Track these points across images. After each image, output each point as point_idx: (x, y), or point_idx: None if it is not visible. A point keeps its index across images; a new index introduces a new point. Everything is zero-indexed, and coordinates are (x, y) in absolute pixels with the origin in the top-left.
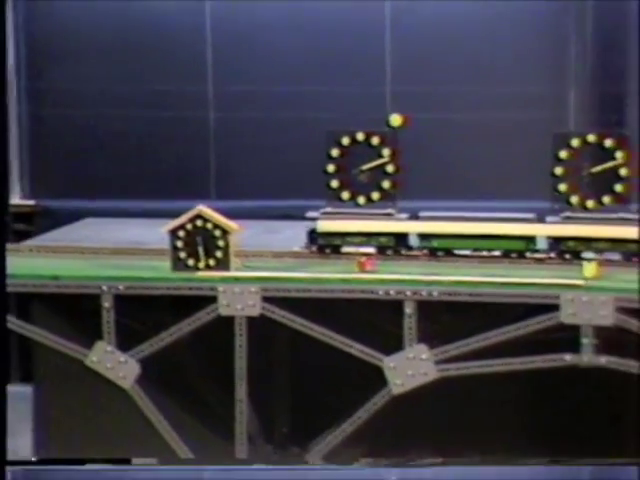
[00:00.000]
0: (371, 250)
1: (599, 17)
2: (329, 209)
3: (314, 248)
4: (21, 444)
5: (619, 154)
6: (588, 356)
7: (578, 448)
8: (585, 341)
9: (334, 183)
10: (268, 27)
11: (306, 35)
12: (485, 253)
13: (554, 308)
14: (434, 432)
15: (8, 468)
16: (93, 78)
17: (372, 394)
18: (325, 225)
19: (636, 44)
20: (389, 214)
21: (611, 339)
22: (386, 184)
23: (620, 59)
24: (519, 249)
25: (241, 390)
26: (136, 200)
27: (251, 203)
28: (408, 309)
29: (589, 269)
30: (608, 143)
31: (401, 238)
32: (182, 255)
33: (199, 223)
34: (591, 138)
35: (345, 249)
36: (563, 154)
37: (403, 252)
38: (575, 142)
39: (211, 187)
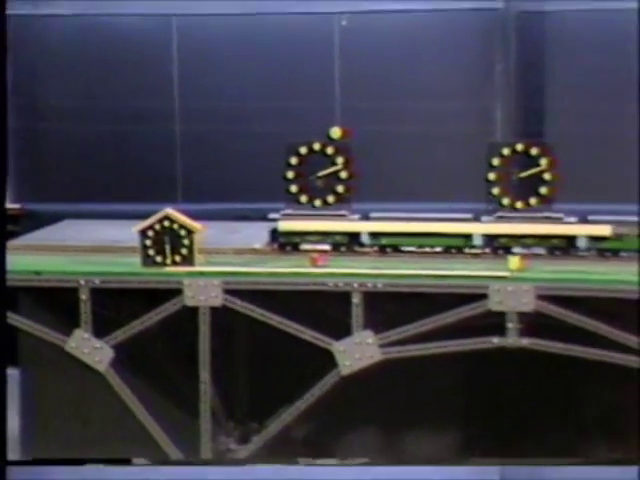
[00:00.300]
0: (327, 247)
1: (521, 39)
2: (289, 211)
3: (275, 246)
4: (10, 420)
5: (543, 161)
6: (513, 339)
7: (508, 418)
8: (510, 325)
9: (293, 188)
10: (231, 46)
11: (265, 54)
12: (428, 249)
13: (483, 297)
14: (378, 406)
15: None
16: (71, 94)
17: (323, 375)
18: (285, 225)
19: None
20: (343, 215)
21: (532, 323)
22: (340, 188)
23: (540, 77)
24: (458, 245)
25: (205, 372)
26: (111, 203)
27: (214, 206)
28: (355, 299)
29: (513, 262)
30: (534, 151)
31: (354, 236)
32: (151, 252)
33: (166, 224)
34: (519, 147)
35: (303, 246)
36: (495, 161)
37: (355, 249)
38: (505, 151)
39: (177, 191)
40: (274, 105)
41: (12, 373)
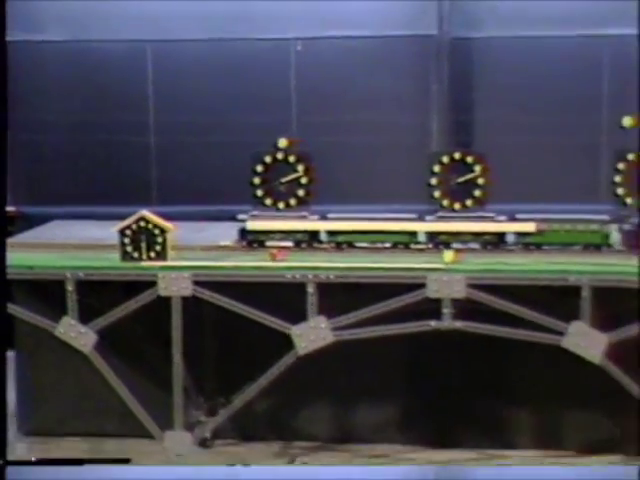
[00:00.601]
0: (289, 244)
1: (453, 61)
2: (255, 213)
3: (244, 243)
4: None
5: (477, 167)
6: (448, 322)
7: (443, 391)
8: (445, 311)
9: (259, 192)
10: (200, 67)
11: (230, 74)
12: (379, 245)
13: (422, 286)
14: (330, 382)
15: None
16: (60, 111)
17: (282, 355)
18: (253, 225)
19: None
20: (303, 216)
21: (464, 308)
22: (301, 192)
23: (469, 94)
24: (404, 242)
25: (177, 354)
26: (94, 206)
27: (184, 208)
28: (310, 289)
29: (448, 256)
30: (469, 159)
31: (313, 234)
32: (129, 249)
33: (142, 224)
34: (457, 156)
35: (269, 243)
36: (436, 168)
37: (315, 245)
38: (445, 159)
39: (152, 195)
40: (238, 119)
41: (8, 354)
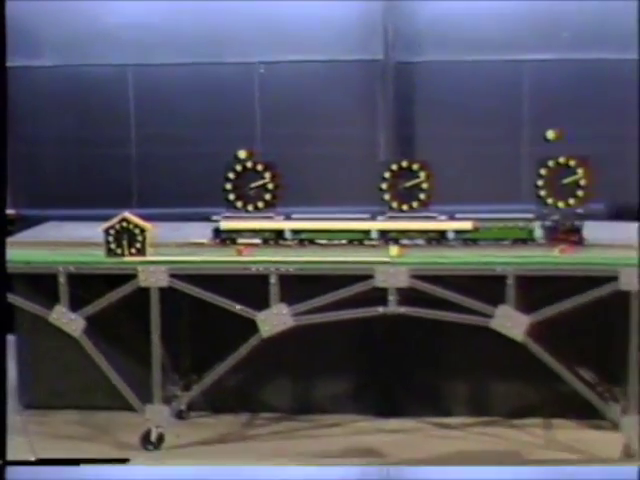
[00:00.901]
0: (258, 241)
1: (397, 82)
2: (227, 214)
3: (218, 240)
4: (8, 378)
5: (422, 174)
6: (393, 308)
7: (388, 368)
8: (391, 298)
9: (231, 196)
10: (176, 87)
11: (201, 93)
12: (336, 242)
13: (371, 277)
14: (290, 361)
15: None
16: (54, 126)
17: (248, 338)
18: (226, 225)
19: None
20: (270, 217)
21: (407, 296)
22: (267, 196)
23: (411, 112)
24: (359, 239)
25: (155, 337)
26: (83, 209)
27: (162, 210)
28: (272, 280)
29: (393, 250)
30: (415, 167)
31: (279, 233)
32: (113, 246)
33: (124, 224)
34: (404, 164)
35: (240, 241)
36: (386, 175)
37: (280, 242)
38: (394, 167)
39: (133, 199)
40: (209, 132)
41: (10, 338)
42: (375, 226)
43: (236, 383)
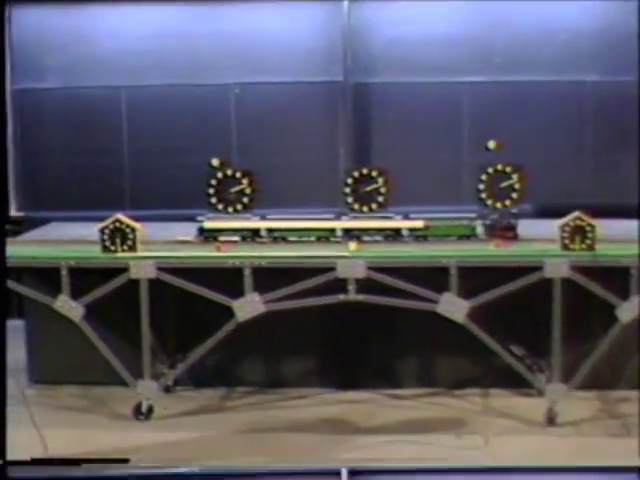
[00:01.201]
0: (237, 239)
1: (356, 100)
2: (210, 215)
3: (202, 238)
4: (19, 358)
5: (380, 180)
6: (352, 295)
7: (348, 348)
8: (350, 287)
9: (213, 200)
10: (163, 105)
11: (185, 110)
12: (306, 239)
13: (333, 269)
14: (262, 342)
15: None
16: (58, 138)
17: (226, 322)
18: (209, 224)
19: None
20: (248, 217)
21: (365, 285)
22: (245, 200)
23: (368, 125)
24: (326, 236)
25: (145, 323)
26: (82, 211)
27: (151, 212)
28: (246, 272)
29: (352, 246)
30: (374, 173)
31: (256, 231)
32: (107, 243)
33: (117, 224)
34: (365, 171)
35: (221, 238)
36: (349, 180)
37: (257, 240)
38: (356, 173)
39: (126, 202)
40: (192, 144)
41: (20, 323)
42: (339, 225)
43: (215, 361)
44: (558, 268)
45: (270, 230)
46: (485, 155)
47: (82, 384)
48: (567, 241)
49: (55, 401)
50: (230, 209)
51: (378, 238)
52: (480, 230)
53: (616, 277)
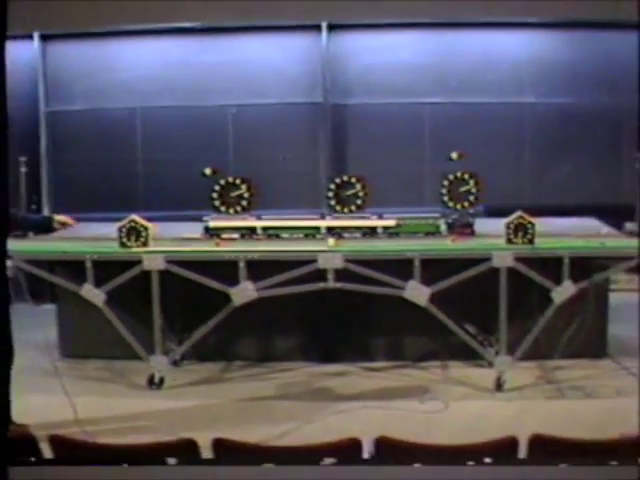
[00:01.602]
0: (237, 236)
1: (334, 119)
2: (214, 216)
3: (207, 235)
4: (52, 336)
5: (359, 185)
6: (332, 284)
7: (330, 328)
8: (329, 276)
9: (217, 203)
10: (172, 123)
11: (190, 127)
12: (295, 236)
13: (315, 261)
14: (255, 323)
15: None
16: (82, 152)
17: (224, 306)
18: (213, 223)
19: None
20: (246, 218)
21: (342, 274)
22: (244, 202)
23: (345, 139)
24: (312, 233)
25: (156, 307)
26: (103, 213)
27: (161, 213)
28: (241, 264)
29: (330, 242)
30: (353, 180)
31: (253, 229)
32: (124, 240)
33: (132, 224)
34: (345, 178)
35: (223, 236)
36: (332, 186)
37: (254, 237)
38: (337, 180)
39: (139, 205)
40: (195, 156)
41: (53, 307)
42: (324, 224)
43: (215, 339)
44: (504, 259)
45: (265, 228)
46: (444, 164)
47: (104, 358)
48: (511, 236)
49: (82, 373)
50: (231, 210)
51: (357, 235)
52: (443, 228)
53: (551, 266)
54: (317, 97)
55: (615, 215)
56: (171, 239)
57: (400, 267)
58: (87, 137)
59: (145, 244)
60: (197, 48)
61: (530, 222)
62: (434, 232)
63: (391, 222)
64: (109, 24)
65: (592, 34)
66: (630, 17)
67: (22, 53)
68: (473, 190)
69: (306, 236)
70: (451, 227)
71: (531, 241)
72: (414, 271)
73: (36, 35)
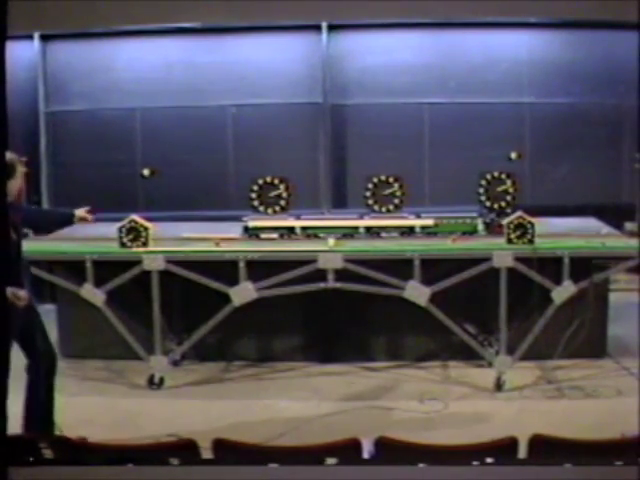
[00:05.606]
0: (275, 236)
1: (334, 120)
2: (253, 216)
3: (247, 235)
4: (52, 336)
5: (396, 185)
6: (331, 283)
7: (330, 325)
8: (330, 276)
9: (256, 203)
10: (171, 124)
11: (189, 128)
12: (333, 235)
13: (315, 261)
14: (255, 322)
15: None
16: (82, 153)
17: (224, 306)
18: (253, 223)
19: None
20: (284, 217)
21: (342, 274)
22: (282, 202)
23: (344, 140)
24: (351, 232)
25: (156, 308)
26: (103, 213)
27: (160, 213)
28: (241, 264)
29: (331, 242)
30: (390, 180)
31: (292, 229)
32: (124, 240)
33: (133, 224)
34: (383, 178)
35: (262, 235)
36: (370, 185)
37: (292, 236)
38: (375, 179)
39: (139, 206)
40: (194, 156)
41: (52, 307)
42: (362, 223)
43: (215, 339)
44: (504, 259)
45: (304, 228)
46: (442, 164)
47: (104, 358)
48: (511, 236)
49: (81, 372)
50: (269, 210)
51: (394, 234)
52: (481, 227)
53: (551, 266)
54: (317, 97)
55: (615, 215)
56: (171, 239)
57: (400, 267)
58: (87, 137)
59: (145, 244)
60: (196, 48)
61: (530, 222)
62: (472, 232)
63: (429, 222)
64: (109, 24)
65: (592, 34)
66: (629, 17)
67: (22, 53)
68: (510, 190)
69: (344, 236)
70: (488, 227)
71: (531, 241)
72: (414, 271)
73: (36, 35)
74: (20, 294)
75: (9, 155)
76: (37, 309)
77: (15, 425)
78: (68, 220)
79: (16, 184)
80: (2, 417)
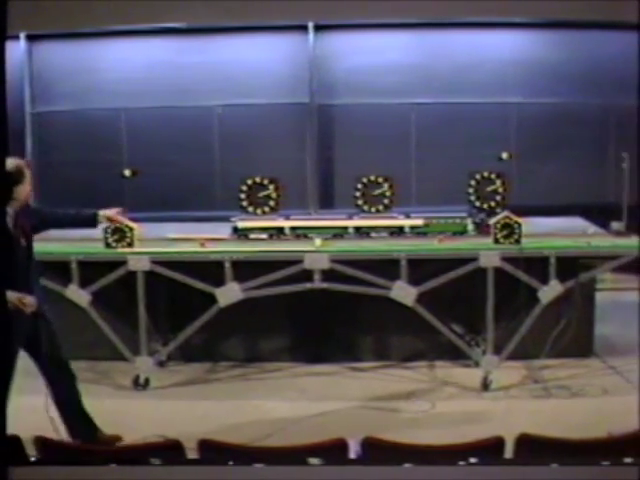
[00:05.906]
0: (265, 236)
1: (320, 120)
2: (242, 216)
3: (235, 236)
4: None
5: (385, 185)
6: (318, 284)
7: (316, 327)
8: (316, 277)
9: (245, 203)
10: (157, 124)
11: (174, 128)
12: (322, 235)
13: (301, 261)
14: (241, 323)
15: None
16: (68, 154)
17: (210, 307)
18: (242, 224)
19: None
20: (274, 218)
21: (328, 275)
22: (272, 203)
23: (331, 141)
24: (340, 233)
25: (142, 307)
26: None
27: (146, 214)
28: (227, 264)
29: (318, 242)
30: (380, 180)
31: (281, 229)
32: (110, 240)
33: (118, 224)
34: (372, 178)
35: (251, 236)
36: (359, 186)
37: (281, 237)
38: (364, 179)
39: (125, 205)
40: (181, 156)
41: None
42: (351, 223)
43: (202, 340)
44: (490, 259)
45: (293, 228)
46: (428, 164)
47: (89, 359)
48: (498, 236)
49: None
50: (259, 211)
51: (384, 234)
52: (470, 227)
53: (538, 265)
54: (303, 97)
55: (601, 215)
56: (156, 239)
57: (388, 267)
58: (73, 138)
59: (130, 245)
60: (182, 49)
61: (517, 222)
62: (461, 232)
63: (419, 222)
64: (95, 25)
65: (578, 34)
66: (615, 17)
67: (8, 53)
68: (500, 190)
69: (334, 236)
70: (478, 227)
71: (518, 241)
72: (400, 271)
73: (22, 36)
74: (26, 300)
75: (16, 161)
76: (48, 316)
77: (15, 425)
78: (90, 221)
79: (24, 189)
80: (2, 417)
